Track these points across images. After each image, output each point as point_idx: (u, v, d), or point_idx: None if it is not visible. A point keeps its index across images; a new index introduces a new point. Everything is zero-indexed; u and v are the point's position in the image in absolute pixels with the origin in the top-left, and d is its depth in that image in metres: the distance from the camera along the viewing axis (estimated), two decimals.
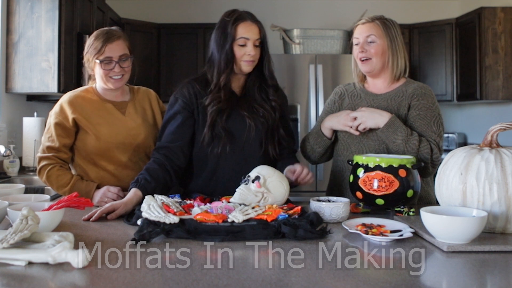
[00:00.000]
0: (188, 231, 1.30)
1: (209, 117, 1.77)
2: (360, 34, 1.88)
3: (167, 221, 1.32)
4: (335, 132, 1.92)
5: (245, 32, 1.75)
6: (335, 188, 1.98)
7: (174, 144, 1.79)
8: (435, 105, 1.87)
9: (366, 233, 1.31)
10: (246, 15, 1.79)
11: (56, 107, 1.91)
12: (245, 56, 1.76)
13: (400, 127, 1.74)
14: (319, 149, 1.94)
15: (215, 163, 1.81)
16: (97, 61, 1.85)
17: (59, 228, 1.37)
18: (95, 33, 1.91)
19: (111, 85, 1.89)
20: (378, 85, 1.95)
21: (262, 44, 1.80)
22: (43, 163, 1.87)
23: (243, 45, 1.76)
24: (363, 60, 1.87)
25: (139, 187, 1.66)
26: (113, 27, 1.97)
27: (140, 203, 1.56)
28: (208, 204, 1.56)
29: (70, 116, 1.86)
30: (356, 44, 1.90)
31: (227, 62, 1.77)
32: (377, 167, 1.59)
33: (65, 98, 1.92)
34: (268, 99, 1.84)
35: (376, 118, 1.77)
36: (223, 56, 1.77)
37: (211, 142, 1.78)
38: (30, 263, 1.06)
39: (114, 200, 1.78)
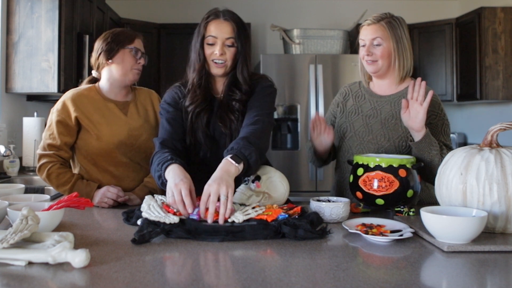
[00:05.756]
0: (188, 231, 1.30)
1: (189, 119, 1.72)
2: (365, 36, 1.86)
3: (167, 221, 1.32)
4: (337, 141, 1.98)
5: (214, 30, 1.68)
6: (337, 189, 1.99)
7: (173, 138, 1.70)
8: (443, 111, 1.88)
9: (366, 233, 1.30)
10: (221, 13, 1.70)
11: (59, 104, 1.88)
12: (213, 56, 1.69)
13: (434, 140, 1.71)
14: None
15: (198, 168, 1.70)
16: (130, 47, 1.89)
17: (59, 228, 1.37)
18: (111, 31, 1.94)
19: (132, 77, 1.92)
20: (383, 86, 1.94)
21: (236, 45, 1.69)
22: (43, 160, 1.85)
23: (212, 44, 1.70)
24: (368, 62, 1.87)
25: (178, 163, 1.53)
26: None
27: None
28: None
29: (73, 114, 1.85)
30: (363, 46, 1.88)
31: (199, 61, 1.71)
32: (377, 167, 1.59)
33: (68, 95, 1.90)
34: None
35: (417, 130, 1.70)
36: (195, 56, 1.72)
37: (193, 148, 1.74)
38: (30, 263, 1.06)
39: (114, 200, 1.79)
